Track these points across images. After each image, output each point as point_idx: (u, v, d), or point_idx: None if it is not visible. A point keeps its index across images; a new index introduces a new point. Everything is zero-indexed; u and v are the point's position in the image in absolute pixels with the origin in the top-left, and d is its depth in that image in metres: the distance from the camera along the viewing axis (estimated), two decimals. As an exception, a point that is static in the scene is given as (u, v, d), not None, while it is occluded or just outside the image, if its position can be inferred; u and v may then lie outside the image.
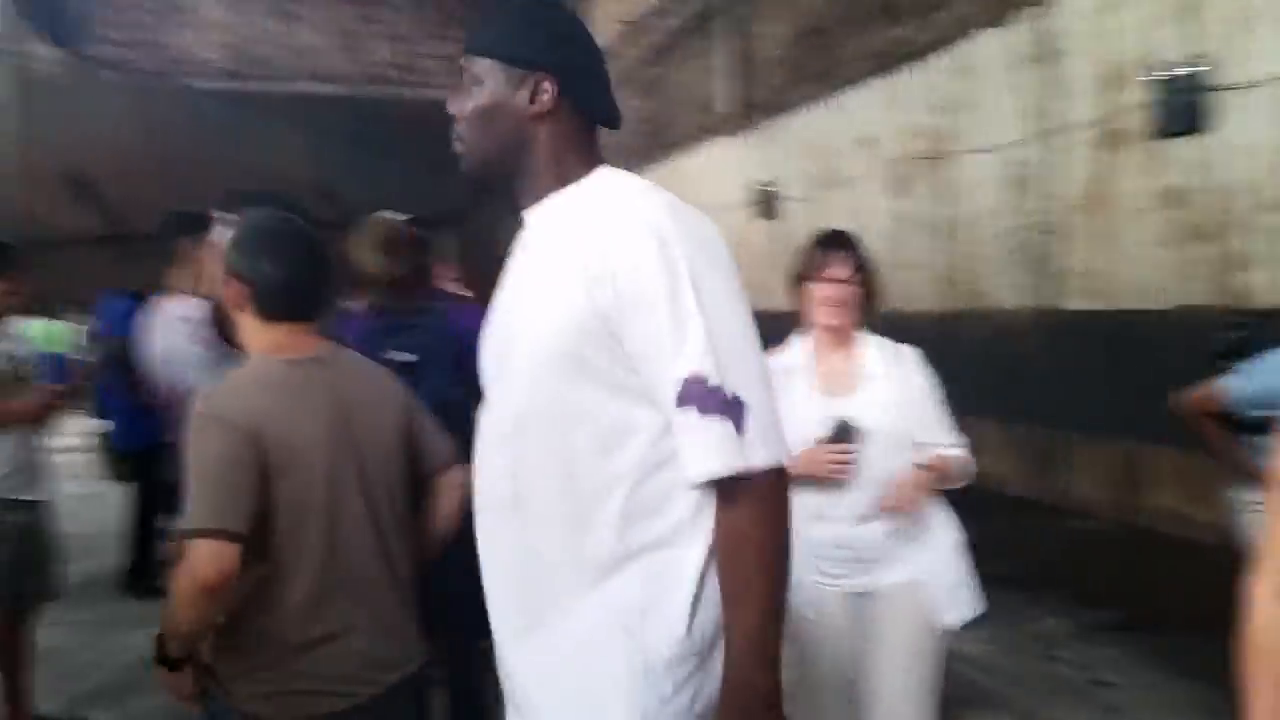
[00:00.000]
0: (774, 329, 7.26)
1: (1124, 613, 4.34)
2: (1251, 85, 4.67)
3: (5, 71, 10.03)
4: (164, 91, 15.62)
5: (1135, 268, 5.40)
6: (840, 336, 2.37)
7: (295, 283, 1.80)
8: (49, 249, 12.68)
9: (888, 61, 7.41)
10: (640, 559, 1.27)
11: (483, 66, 1.39)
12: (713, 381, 1.19)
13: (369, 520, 1.74)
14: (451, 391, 2.41)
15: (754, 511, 1.21)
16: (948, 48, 6.70)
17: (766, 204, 9.15)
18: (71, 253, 13.49)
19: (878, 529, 2.29)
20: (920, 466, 2.26)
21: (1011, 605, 4.40)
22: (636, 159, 12.80)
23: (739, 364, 1.22)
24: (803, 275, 2.38)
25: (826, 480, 2.21)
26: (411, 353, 2.52)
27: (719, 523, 1.23)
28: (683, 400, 1.19)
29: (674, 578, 1.26)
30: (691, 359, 1.19)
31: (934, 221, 6.96)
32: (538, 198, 1.39)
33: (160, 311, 2.84)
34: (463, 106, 1.43)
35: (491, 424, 1.38)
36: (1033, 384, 6.09)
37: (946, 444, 2.38)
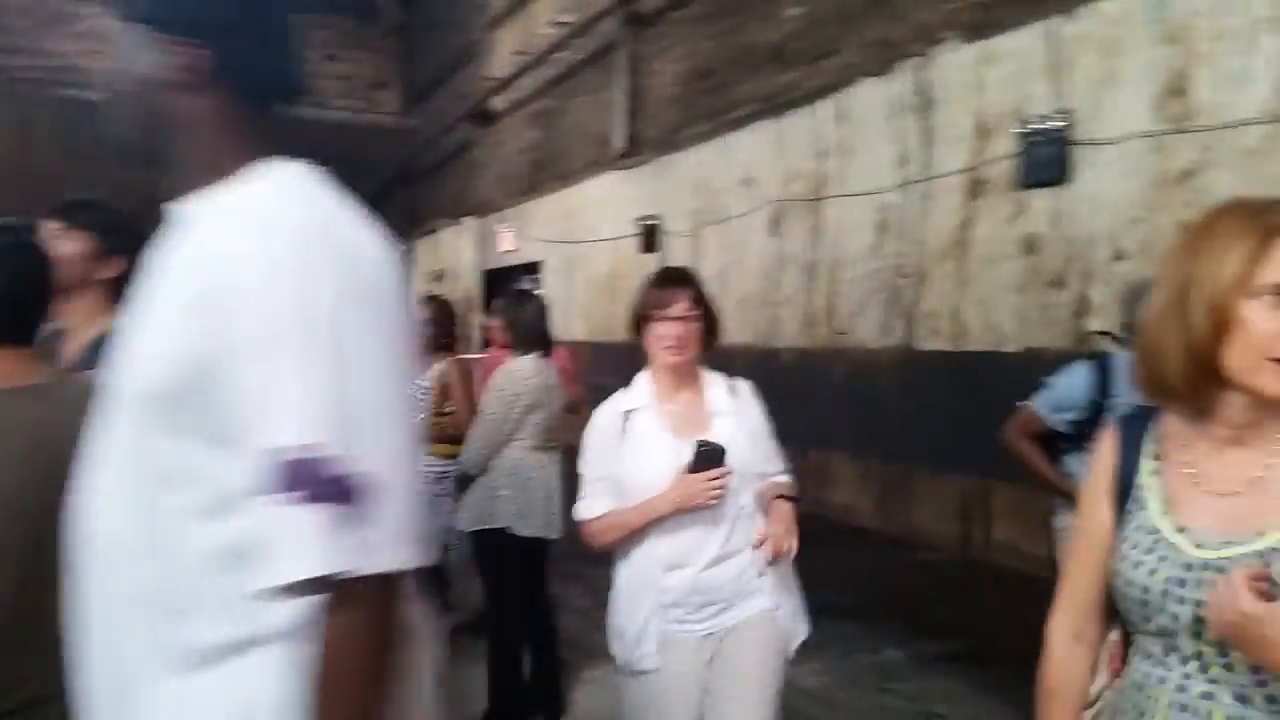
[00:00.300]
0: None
1: (960, 644, 4.32)
2: (1109, 141, 4.87)
3: None
4: (37, 100, 14.81)
5: (989, 311, 5.53)
6: (683, 374, 2.35)
7: (3, 301, 1.54)
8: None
9: (774, 105, 7.52)
10: (242, 654, 1.01)
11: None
12: (326, 454, 0.92)
13: None
14: None
15: (355, 623, 0.95)
16: (832, 94, 6.83)
17: (650, 238, 9.12)
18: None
19: (734, 567, 2.24)
20: (779, 499, 2.24)
21: (850, 636, 4.32)
22: (527, 188, 12.71)
23: (371, 435, 0.95)
24: (642, 314, 2.34)
25: (703, 508, 2.16)
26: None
27: (321, 622, 0.96)
28: (277, 474, 0.92)
29: (273, 680, 0.99)
30: (294, 424, 0.92)
31: (807, 261, 7.02)
32: (186, 191, 1.13)
33: None
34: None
35: (89, 475, 1.11)
36: (886, 420, 6.16)
37: (777, 472, 2.40)
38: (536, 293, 4.47)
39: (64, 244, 2.18)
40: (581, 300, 10.74)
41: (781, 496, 2.24)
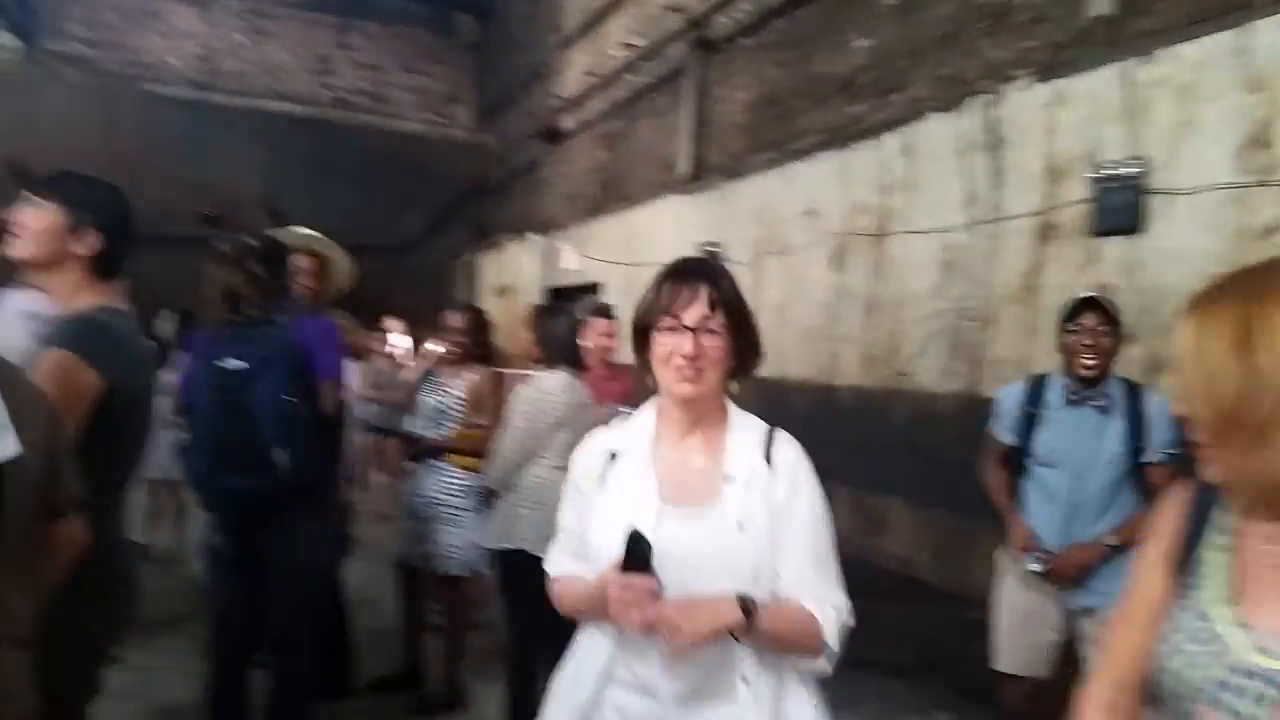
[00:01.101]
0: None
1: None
2: (1186, 191, 4.68)
3: None
4: (123, 94, 15.38)
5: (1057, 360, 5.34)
6: (699, 410, 1.67)
7: None
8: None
9: (840, 137, 7.42)
10: None
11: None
12: None
13: None
14: (283, 399, 2.59)
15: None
16: (899, 128, 6.71)
17: (710, 265, 9.06)
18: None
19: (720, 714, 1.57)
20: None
21: (896, 695, 4.21)
22: (592, 208, 12.77)
23: None
24: (645, 320, 1.67)
25: (624, 625, 1.50)
26: (244, 361, 2.62)
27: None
28: None
29: None
30: None
31: (869, 297, 6.90)
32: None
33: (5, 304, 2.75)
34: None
35: None
36: (947, 468, 5.98)
37: (819, 597, 1.63)
38: (604, 302, 4.33)
39: (33, 216, 2.03)
40: (641, 323, 10.72)
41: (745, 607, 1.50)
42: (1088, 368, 3.29)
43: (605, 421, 4.06)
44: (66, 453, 1.61)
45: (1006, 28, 6.02)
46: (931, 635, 5.04)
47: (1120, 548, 3.08)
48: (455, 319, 4.04)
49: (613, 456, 1.71)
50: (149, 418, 2.00)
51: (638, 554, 1.48)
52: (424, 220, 17.18)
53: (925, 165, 6.45)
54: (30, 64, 15.09)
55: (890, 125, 6.83)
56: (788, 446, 1.71)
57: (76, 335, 1.84)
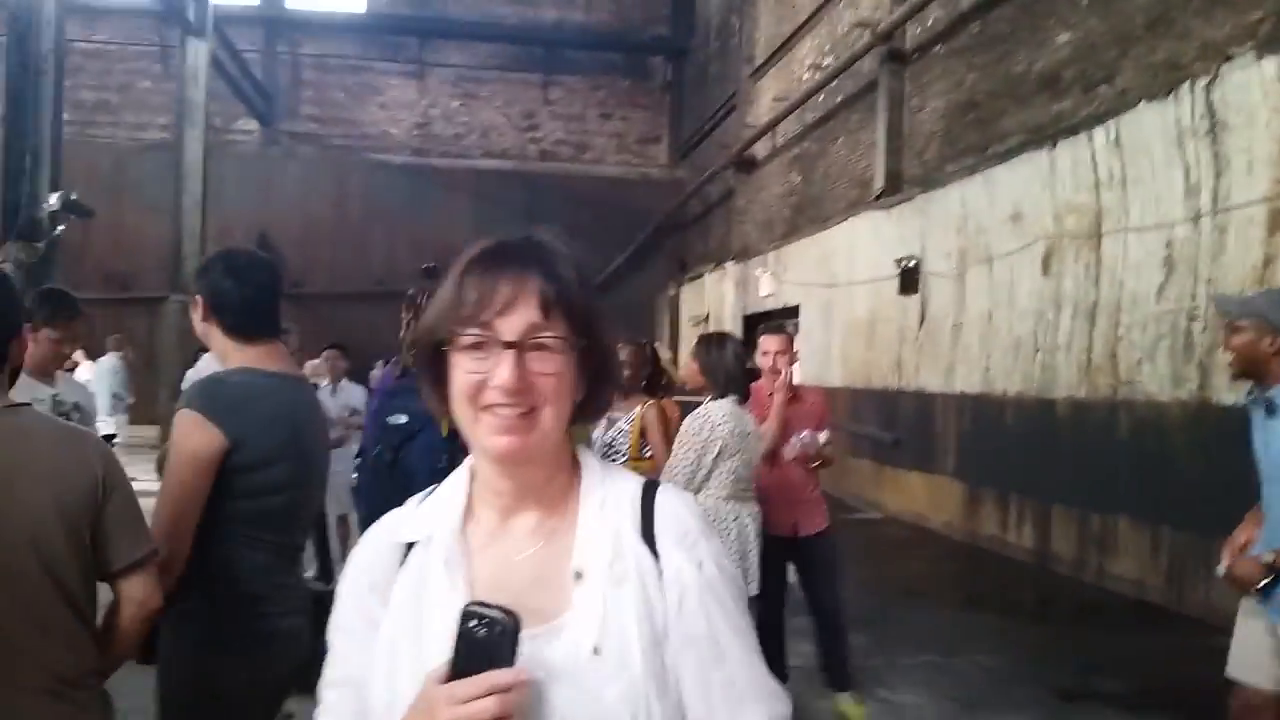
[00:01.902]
0: (914, 410, 6.86)
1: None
2: None
3: (212, 145, 11.34)
4: (350, 165, 16.94)
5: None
6: (530, 472, 1.03)
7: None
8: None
9: (1044, 136, 7.05)
10: None
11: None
12: None
13: None
14: (437, 455, 2.46)
15: None
16: (1108, 121, 6.29)
17: (910, 279, 8.81)
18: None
19: None
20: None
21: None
22: (786, 232, 12.74)
23: None
24: (434, 336, 1.03)
25: None
26: (407, 416, 2.60)
27: None
28: None
29: None
30: None
31: (1084, 303, 6.47)
32: None
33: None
34: None
35: None
36: (1179, 482, 5.48)
37: None
38: (793, 327, 4.29)
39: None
40: (839, 344, 10.55)
41: None
42: None
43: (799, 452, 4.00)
44: (116, 516, 1.62)
45: (1223, 3, 5.54)
46: (1164, 664, 4.60)
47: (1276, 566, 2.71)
48: (620, 354, 4.12)
49: (408, 550, 1.05)
50: (297, 469, 2.02)
51: (485, 647, 0.87)
52: (626, 258, 17.73)
53: (1137, 158, 6.01)
54: (269, 144, 16.94)
55: (1098, 119, 6.43)
56: (676, 511, 1.04)
57: (199, 395, 1.97)
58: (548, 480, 1.04)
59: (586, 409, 1.04)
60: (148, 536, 1.69)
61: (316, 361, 6.65)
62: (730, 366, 3.48)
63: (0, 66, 6.76)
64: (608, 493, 1.05)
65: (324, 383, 6.14)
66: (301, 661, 1.98)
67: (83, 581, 1.60)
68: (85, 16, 14.35)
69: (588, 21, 18.15)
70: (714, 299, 15.26)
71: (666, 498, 1.05)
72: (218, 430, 1.88)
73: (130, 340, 11.42)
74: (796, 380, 4.13)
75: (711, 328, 15.22)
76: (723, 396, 3.45)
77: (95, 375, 11.52)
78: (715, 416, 3.38)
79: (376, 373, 7.95)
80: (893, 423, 9.08)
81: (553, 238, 1.04)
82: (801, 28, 12.57)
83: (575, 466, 1.07)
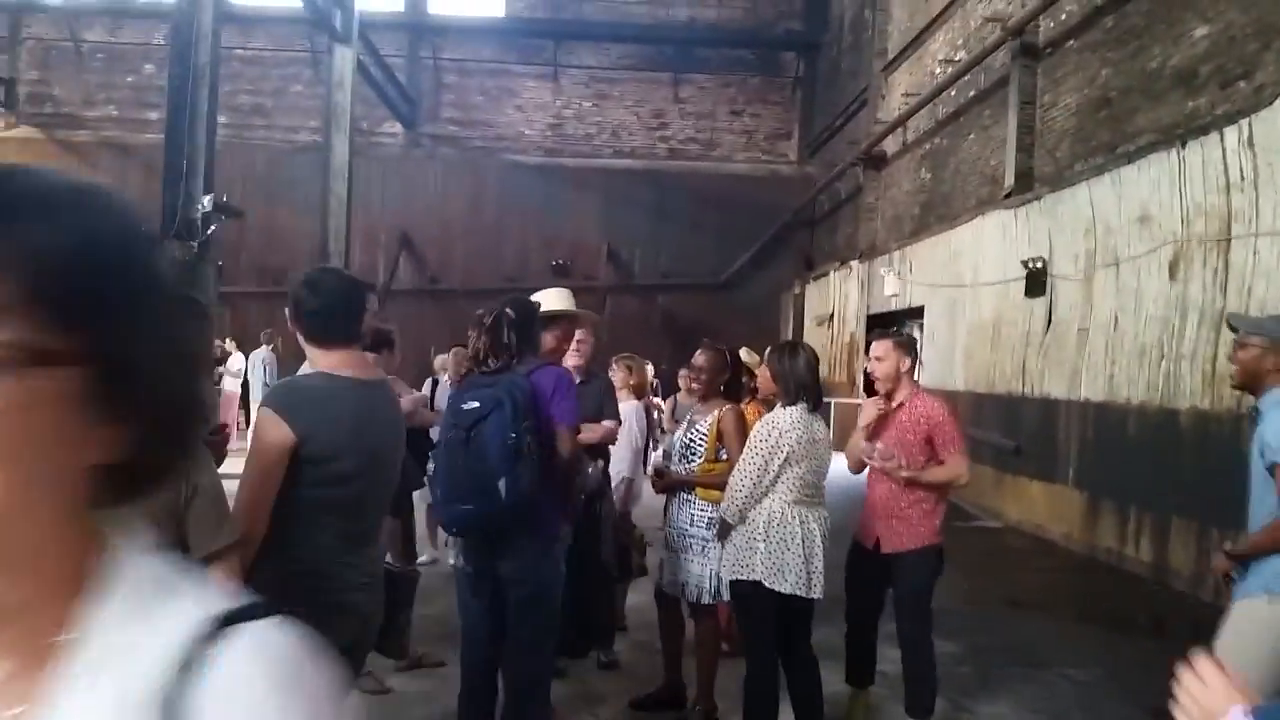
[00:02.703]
0: (1037, 416, 6.78)
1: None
2: None
3: (358, 147, 12.09)
4: (487, 165, 17.59)
5: None
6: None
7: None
8: (382, 300, 14.69)
9: (1174, 134, 6.74)
10: None
11: None
12: None
13: None
14: (509, 435, 2.87)
15: None
16: (1243, 119, 5.98)
17: (1037, 281, 8.55)
18: (398, 303, 15.49)
19: None
20: None
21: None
22: (914, 230, 12.50)
23: None
24: None
25: None
26: (479, 402, 2.95)
27: None
28: None
29: None
30: None
31: (1209, 310, 6.17)
32: None
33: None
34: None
35: None
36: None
37: None
38: (917, 328, 4.27)
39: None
40: (964, 347, 10.31)
41: None
42: None
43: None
44: (199, 514, 1.88)
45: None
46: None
47: (1241, 556, 3.00)
48: (699, 358, 4.20)
49: None
50: (361, 463, 2.24)
51: None
52: (752, 256, 17.73)
53: (1272, 158, 5.69)
54: (412, 146, 17.77)
55: (1231, 118, 6.11)
56: (247, 677, 0.56)
57: (275, 395, 2.29)
58: (19, 607, 0.57)
59: (137, 476, 0.60)
60: (228, 532, 1.96)
61: (445, 356, 6.95)
62: (801, 374, 3.53)
63: (162, 76, 7.41)
64: (134, 637, 0.57)
65: (444, 377, 6.47)
66: (365, 634, 2.28)
67: None
68: (242, 25, 15.41)
69: (719, 19, 18.22)
70: (838, 298, 15.12)
71: (238, 653, 0.56)
72: (288, 427, 2.15)
73: (281, 333, 12.29)
74: (918, 385, 4.08)
75: (836, 328, 15.07)
76: (793, 404, 3.51)
77: (250, 366, 12.46)
78: (783, 424, 3.46)
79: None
80: (1015, 429, 8.85)
81: (53, 175, 0.57)
82: (934, 21, 12.31)
83: (80, 568, 0.58)
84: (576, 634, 4.17)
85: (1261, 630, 2.87)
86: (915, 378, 4.07)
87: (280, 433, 2.15)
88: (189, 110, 7.15)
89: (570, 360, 4.16)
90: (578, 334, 4.21)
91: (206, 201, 7.12)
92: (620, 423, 4.56)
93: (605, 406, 4.39)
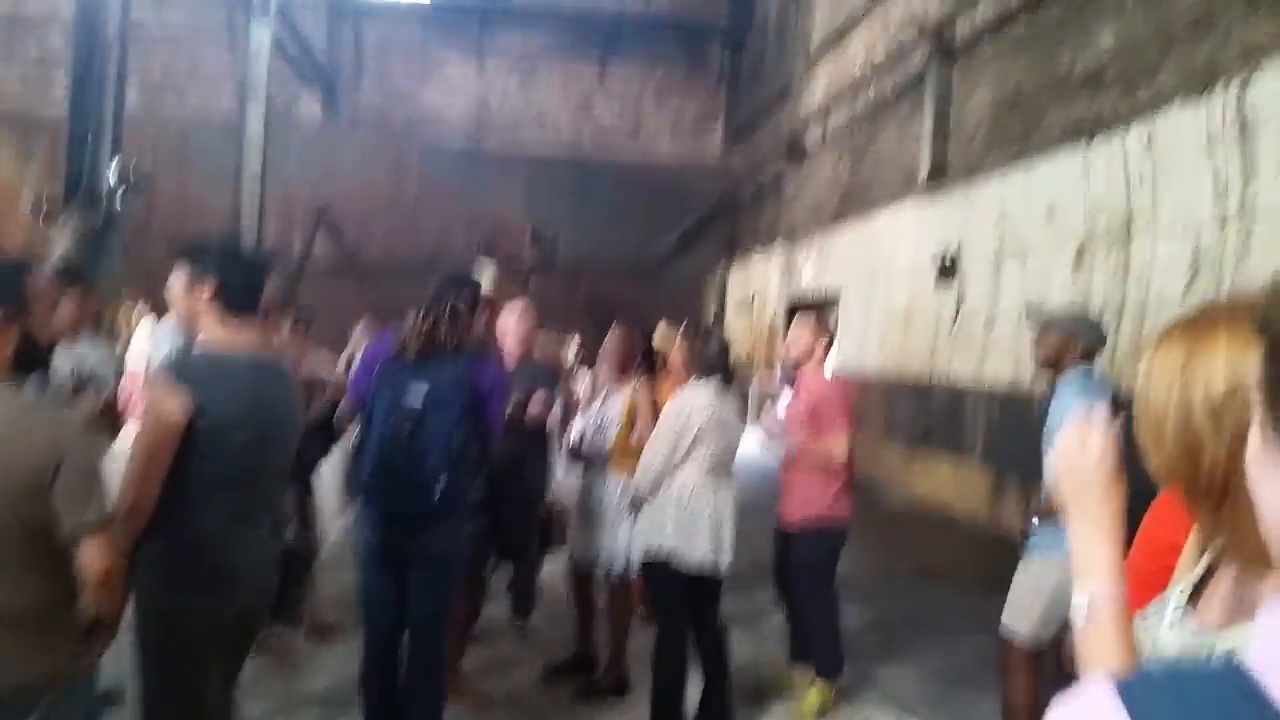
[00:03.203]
0: (947, 400, 7.01)
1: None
2: None
3: (275, 122, 11.84)
4: (408, 145, 17.31)
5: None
6: None
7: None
8: (298, 275, 14.40)
9: (1081, 134, 7.09)
10: None
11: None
12: None
13: None
14: (451, 436, 2.91)
15: None
16: (1144, 120, 6.33)
17: (947, 270, 8.89)
18: (315, 279, 15.17)
19: None
20: None
21: None
22: (832, 218, 12.82)
23: None
24: None
25: None
26: (421, 399, 2.98)
27: None
28: None
29: None
30: None
31: (1114, 302, 6.53)
32: None
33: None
34: None
35: None
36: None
37: None
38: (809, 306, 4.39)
39: (174, 279, 2.73)
40: (876, 332, 10.65)
41: None
42: None
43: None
44: (65, 488, 1.79)
45: (1267, 4, 5.55)
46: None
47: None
48: (613, 337, 4.31)
49: None
50: (254, 437, 2.25)
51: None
52: (676, 241, 17.90)
53: (1168, 159, 6.05)
54: (332, 124, 17.40)
55: (1133, 117, 6.46)
56: None
57: (172, 365, 2.31)
58: None
59: None
60: (97, 505, 1.88)
61: (359, 327, 6.92)
62: (712, 354, 3.66)
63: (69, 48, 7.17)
64: None
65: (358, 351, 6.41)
66: (258, 605, 2.35)
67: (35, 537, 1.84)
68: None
69: (648, 8, 18.27)
70: (760, 282, 15.40)
71: None
72: (186, 396, 2.16)
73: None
74: (821, 365, 4.25)
75: (757, 311, 15.36)
76: (706, 379, 3.64)
77: (156, 335, 12.06)
78: (695, 402, 3.58)
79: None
80: (925, 412, 9.19)
81: None
82: (855, 20, 12.61)
83: None
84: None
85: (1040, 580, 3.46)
86: (824, 359, 4.25)
87: (175, 402, 2.15)
88: (96, 81, 6.94)
89: (509, 343, 4.19)
90: (515, 315, 4.25)
91: (114, 169, 6.90)
92: (555, 399, 4.62)
93: (541, 385, 4.44)
